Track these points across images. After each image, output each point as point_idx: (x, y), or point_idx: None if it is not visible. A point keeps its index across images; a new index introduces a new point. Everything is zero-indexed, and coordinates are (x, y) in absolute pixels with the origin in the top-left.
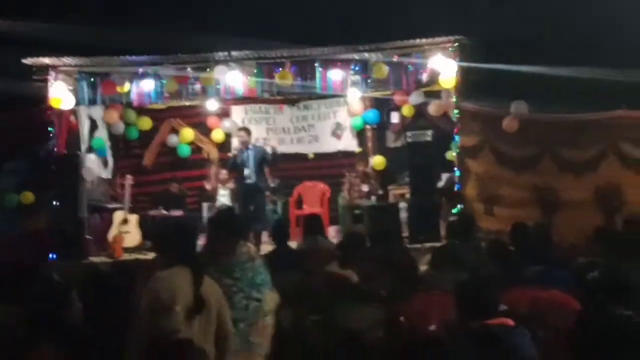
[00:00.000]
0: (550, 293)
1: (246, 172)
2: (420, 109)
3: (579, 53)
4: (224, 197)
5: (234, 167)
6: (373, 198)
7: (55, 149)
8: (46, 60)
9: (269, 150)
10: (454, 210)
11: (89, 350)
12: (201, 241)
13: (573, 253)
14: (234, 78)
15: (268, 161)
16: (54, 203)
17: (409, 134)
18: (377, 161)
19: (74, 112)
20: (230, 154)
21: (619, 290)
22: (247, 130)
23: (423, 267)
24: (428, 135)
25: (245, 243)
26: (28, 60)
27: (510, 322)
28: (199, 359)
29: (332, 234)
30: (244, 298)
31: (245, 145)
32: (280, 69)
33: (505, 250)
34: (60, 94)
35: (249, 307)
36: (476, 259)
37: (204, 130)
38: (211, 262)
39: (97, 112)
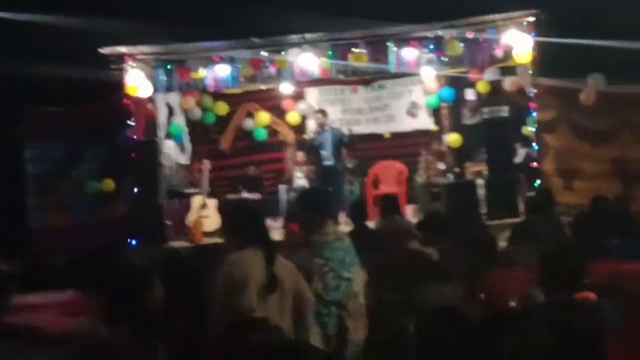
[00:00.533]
0: (631, 265)
1: (324, 154)
2: (495, 86)
3: None
4: (300, 180)
5: (312, 149)
6: (450, 176)
7: (134, 136)
8: (122, 49)
9: (345, 132)
10: (532, 186)
11: (169, 334)
12: (279, 223)
13: None
14: (307, 60)
15: (345, 143)
16: (134, 190)
17: (485, 110)
18: (453, 138)
19: (151, 99)
20: (305, 136)
21: None
22: (324, 112)
23: (502, 244)
24: (504, 111)
25: (332, 223)
26: (105, 50)
27: (593, 295)
28: (275, 335)
29: (410, 213)
30: (335, 277)
31: (322, 127)
32: (354, 49)
33: (587, 224)
34: (137, 82)
35: (340, 287)
36: (556, 233)
37: (280, 113)
38: (300, 243)
39: (174, 98)
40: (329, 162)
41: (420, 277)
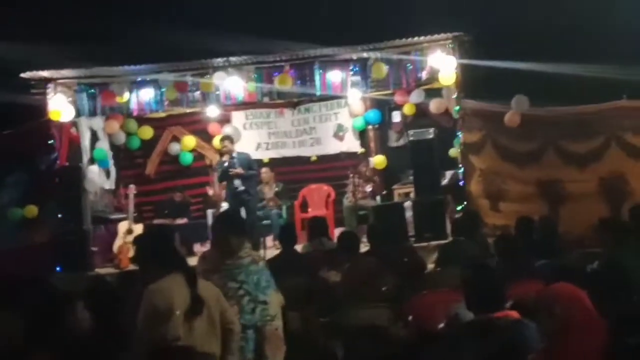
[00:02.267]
0: (557, 285)
1: (235, 180)
2: (421, 108)
3: (579, 47)
4: (227, 204)
5: (223, 176)
6: (378, 198)
7: (57, 162)
8: (44, 74)
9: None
10: (459, 207)
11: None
12: (206, 248)
13: (580, 245)
14: (233, 83)
15: (253, 169)
16: (58, 215)
17: (411, 132)
18: (378, 160)
19: (74, 123)
20: (213, 164)
21: (617, 282)
22: (230, 139)
23: (430, 265)
24: (430, 133)
25: (247, 246)
26: (26, 74)
27: (516, 314)
28: None
29: (337, 235)
30: (251, 301)
31: (229, 153)
32: (279, 72)
33: (512, 245)
34: (60, 107)
35: (256, 311)
36: (482, 255)
37: (206, 137)
38: (215, 267)
39: (98, 123)
40: (240, 188)
41: (345, 300)
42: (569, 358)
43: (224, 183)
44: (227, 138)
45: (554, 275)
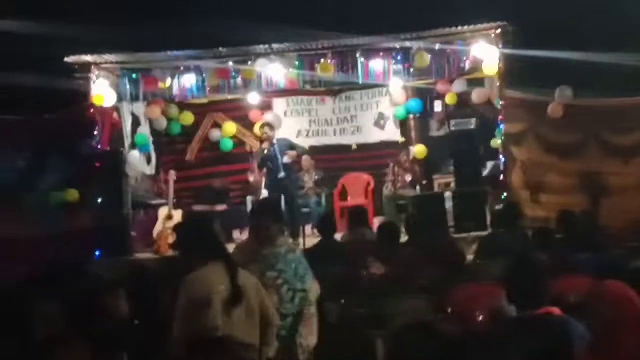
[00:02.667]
0: (606, 283)
1: (275, 166)
2: (463, 97)
3: (623, 37)
4: (267, 191)
5: (263, 163)
6: (417, 188)
7: (99, 146)
8: (87, 58)
9: (292, 141)
10: (500, 199)
11: (132, 350)
12: (246, 235)
13: (621, 239)
14: (275, 70)
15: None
16: (99, 200)
17: (452, 122)
18: (419, 150)
19: (116, 108)
20: (254, 151)
21: None
22: (270, 126)
23: (470, 257)
24: (472, 123)
25: (284, 234)
26: (70, 59)
27: (558, 311)
28: (240, 354)
29: (377, 225)
30: (290, 290)
31: (269, 140)
32: (322, 60)
33: (552, 238)
34: (102, 91)
35: (295, 299)
36: (523, 247)
37: (246, 123)
38: (252, 256)
39: (139, 108)
40: (281, 175)
41: (383, 291)
42: (614, 359)
43: (264, 170)
44: (267, 125)
45: (598, 271)
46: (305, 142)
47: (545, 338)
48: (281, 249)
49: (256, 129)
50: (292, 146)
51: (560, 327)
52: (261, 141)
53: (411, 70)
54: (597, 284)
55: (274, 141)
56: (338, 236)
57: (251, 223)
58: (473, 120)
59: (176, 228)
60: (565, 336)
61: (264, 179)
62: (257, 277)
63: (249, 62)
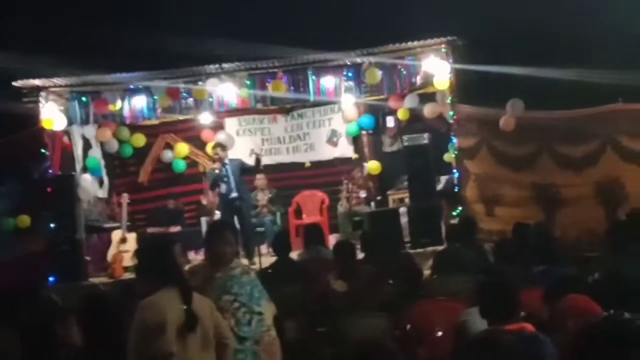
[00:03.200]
0: (570, 298)
1: (228, 187)
2: (415, 112)
3: (573, 51)
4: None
5: (215, 184)
6: (372, 204)
7: (50, 170)
8: (36, 82)
9: (250, 158)
10: (454, 213)
11: None
12: (201, 256)
13: (575, 249)
14: (226, 90)
15: (248, 169)
16: (51, 225)
17: (405, 137)
18: (372, 166)
19: (66, 132)
20: (206, 171)
21: (622, 293)
22: (222, 146)
23: (426, 272)
24: (424, 138)
25: (238, 257)
26: (18, 83)
27: (531, 327)
28: None
29: (333, 242)
30: (247, 313)
31: (221, 161)
32: (273, 78)
33: (510, 250)
34: (52, 115)
35: (252, 322)
36: (479, 261)
37: (199, 144)
38: (206, 280)
39: (90, 131)
40: (233, 195)
41: (341, 309)
42: None
43: (216, 190)
44: (219, 145)
45: (556, 284)
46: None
47: (512, 356)
48: (236, 271)
49: (209, 149)
50: (243, 166)
51: (535, 344)
52: (213, 161)
53: (363, 86)
54: (561, 300)
55: (226, 161)
56: (294, 254)
57: (205, 246)
58: (426, 135)
59: (136, 252)
60: (540, 353)
61: (217, 200)
62: (212, 301)
63: (200, 82)
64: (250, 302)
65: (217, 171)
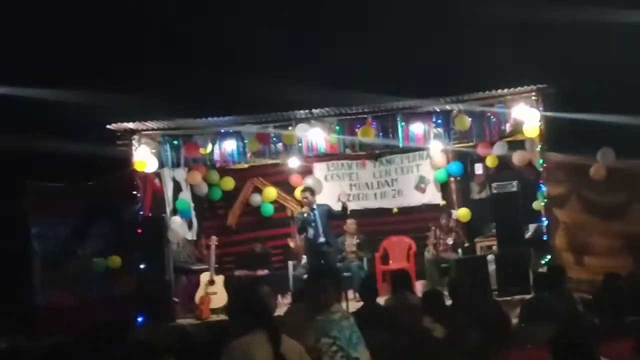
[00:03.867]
0: None
1: (315, 232)
2: (504, 160)
3: None
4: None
5: (302, 229)
6: (460, 251)
7: (141, 212)
8: (130, 125)
9: (337, 204)
10: (542, 261)
11: None
12: (288, 300)
13: None
14: (315, 135)
15: (334, 215)
16: (141, 266)
17: (494, 185)
18: (462, 213)
19: (157, 174)
20: (294, 215)
21: None
22: (311, 190)
23: (513, 320)
24: (513, 185)
25: (339, 301)
26: (112, 126)
27: None
28: None
29: (420, 289)
30: (344, 357)
31: (310, 205)
32: (362, 124)
33: (602, 300)
34: (144, 158)
35: None
36: (568, 310)
37: (287, 188)
38: (306, 322)
39: (181, 174)
40: (321, 240)
41: (429, 356)
42: None
43: (304, 235)
44: (307, 189)
45: None
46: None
47: None
48: (336, 315)
49: (297, 193)
50: (330, 212)
51: None
52: (301, 205)
53: (451, 133)
54: None
55: (314, 206)
56: (380, 300)
57: (307, 287)
58: (514, 182)
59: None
60: None
61: (303, 244)
62: (311, 343)
63: (290, 127)
64: (348, 347)
65: (305, 215)
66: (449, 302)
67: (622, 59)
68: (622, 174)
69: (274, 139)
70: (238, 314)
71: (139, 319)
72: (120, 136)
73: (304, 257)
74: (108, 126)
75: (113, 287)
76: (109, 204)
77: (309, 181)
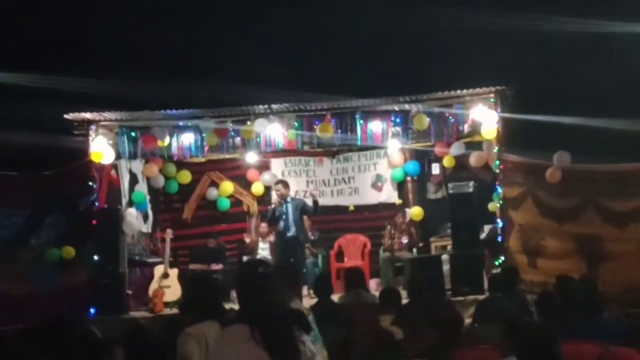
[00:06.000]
0: (616, 350)
1: (285, 224)
2: (461, 160)
3: (622, 102)
4: (264, 251)
5: (273, 220)
6: (414, 250)
7: (96, 203)
8: (87, 115)
9: (309, 200)
10: (496, 263)
11: None
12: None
13: (618, 304)
14: (274, 131)
15: (307, 210)
16: (95, 257)
17: (450, 185)
18: (415, 212)
19: (114, 166)
20: (269, 207)
21: None
22: (285, 183)
23: (467, 320)
24: (469, 186)
25: (298, 299)
26: (69, 116)
27: None
28: None
29: (373, 287)
30: None
31: (283, 198)
32: (320, 121)
33: (553, 303)
34: (101, 149)
35: None
36: (521, 311)
37: (244, 183)
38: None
39: (138, 166)
40: (290, 234)
41: (382, 354)
42: None
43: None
44: (281, 182)
45: (601, 336)
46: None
47: None
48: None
49: (255, 188)
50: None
51: None
52: (258, 201)
53: (410, 132)
54: (608, 351)
55: (288, 199)
56: (334, 297)
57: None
58: (471, 183)
59: (182, 287)
60: None
61: (260, 239)
62: None
63: (248, 122)
64: None
65: (274, 207)
66: (405, 300)
67: (580, 61)
68: (578, 177)
69: (232, 133)
70: (191, 307)
71: (91, 311)
72: (78, 126)
73: (260, 252)
74: (65, 116)
75: (66, 278)
76: (64, 194)
77: (265, 177)
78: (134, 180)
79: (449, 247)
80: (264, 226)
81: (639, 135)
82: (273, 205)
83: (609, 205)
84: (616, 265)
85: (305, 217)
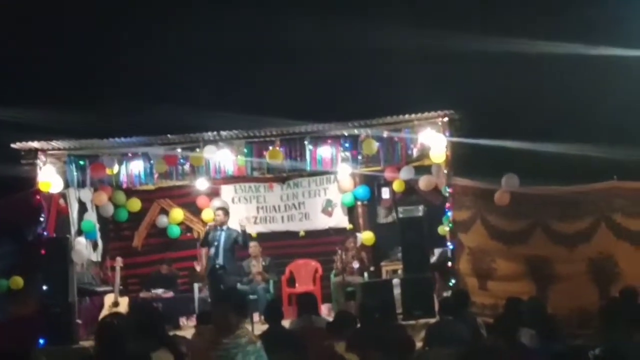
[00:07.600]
0: None
1: (216, 252)
2: (410, 184)
3: (569, 126)
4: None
5: (205, 243)
6: (365, 274)
7: (45, 233)
8: (34, 144)
9: (240, 231)
10: (448, 285)
11: None
12: (193, 322)
13: (568, 326)
14: (223, 157)
15: (239, 242)
16: (44, 287)
17: (400, 209)
18: (366, 237)
19: (63, 195)
20: (206, 226)
21: None
22: (225, 211)
23: (418, 344)
24: (419, 210)
25: (244, 325)
26: (16, 145)
27: None
28: None
29: (325, 312)
30: None
31: (221, 225)
32: (270, 147)
33: (504, 325)
34: (49, 177)
35: None
36: (472, 335)
37: (194, 210)
38: (212, 344)
39: (86, 194)
40: (218, 261)
41: None
42: None
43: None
44: (222, 209)
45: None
46: (252, 229)
47: None
48: (242, 340)
49: (204, 215)
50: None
51: None
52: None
53: (359, 157)
54: None
55: (224, 227)
56: (286, 323)
57: (213, 310)
58: (420, 207)
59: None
60: None
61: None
62: None
63: (197, 149)
64: None
65: (210, 232)
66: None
67: (528, 86)
68: (526, 200)
69: (182, 160)
70: (139, 335)
71: (41, 341)
72: (25, 155)
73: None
74: (12, 145)
75: (15, 309)
76: (12, 223)
77: (216, 203)
78: (83, 209)
79: (399, 271)
80: None
81: (587, 159)
82: (208, 227)
83: (556, 228)
84: (565, 286)
85: (254, 244)
